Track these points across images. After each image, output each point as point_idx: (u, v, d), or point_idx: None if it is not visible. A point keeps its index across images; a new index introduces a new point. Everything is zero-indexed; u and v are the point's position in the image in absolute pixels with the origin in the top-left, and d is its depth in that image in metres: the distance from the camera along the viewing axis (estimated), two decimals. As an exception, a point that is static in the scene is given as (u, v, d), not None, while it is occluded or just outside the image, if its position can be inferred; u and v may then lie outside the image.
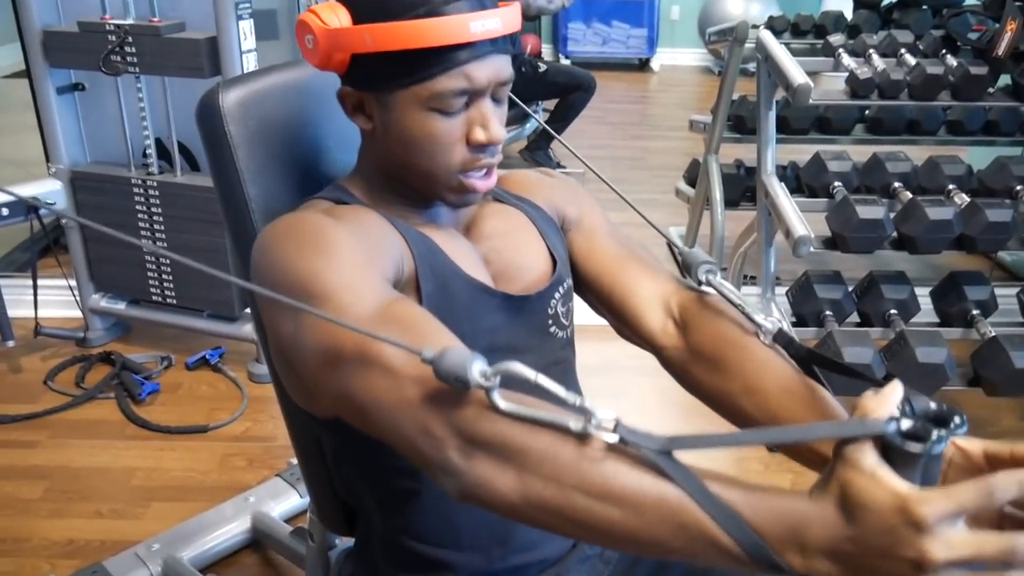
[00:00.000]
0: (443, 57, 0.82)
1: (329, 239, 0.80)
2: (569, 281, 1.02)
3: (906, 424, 0.58)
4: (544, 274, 0.99)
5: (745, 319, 0.91)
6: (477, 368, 0.63)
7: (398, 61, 0.83)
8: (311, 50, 0.86)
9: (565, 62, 6.76)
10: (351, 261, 0.78)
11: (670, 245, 2.97)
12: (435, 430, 0.65)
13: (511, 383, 0.64)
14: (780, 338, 0.88)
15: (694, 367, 0.94)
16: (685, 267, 0.97)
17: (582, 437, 0.62)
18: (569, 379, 1.06)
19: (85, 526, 1.88)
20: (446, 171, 0.88)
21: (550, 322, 0.99)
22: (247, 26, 2.15)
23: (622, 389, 2.46)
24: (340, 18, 0.85)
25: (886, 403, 0.60)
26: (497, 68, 0.85)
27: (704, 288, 0.95)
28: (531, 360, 0.95)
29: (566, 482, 0.62)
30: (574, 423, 0.63)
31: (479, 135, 0.87)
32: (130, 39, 2.20)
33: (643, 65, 6.97)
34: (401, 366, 0.67)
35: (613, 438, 0.62)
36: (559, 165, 4.22)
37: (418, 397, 0.66)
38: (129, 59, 2.22)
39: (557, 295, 0.99)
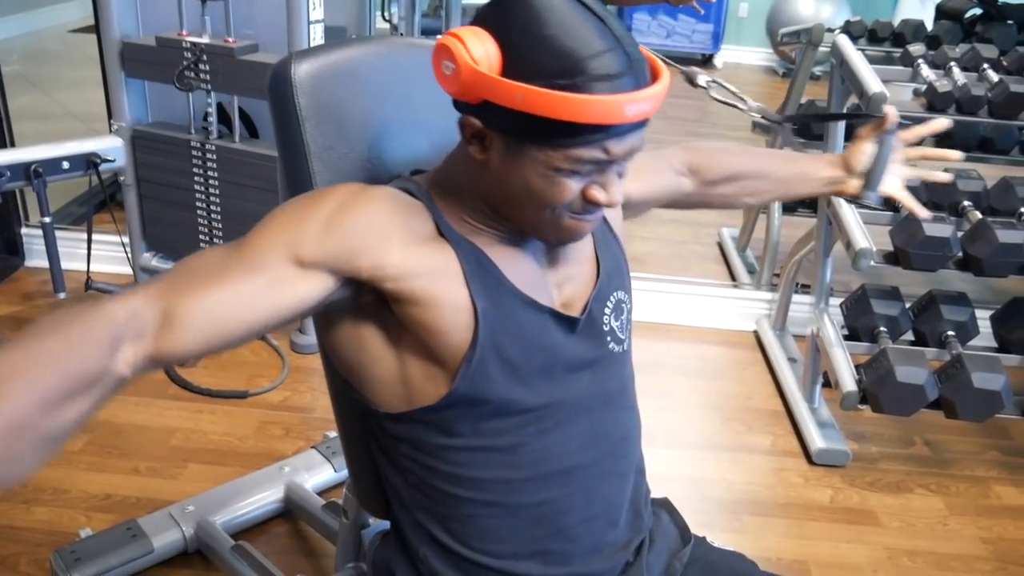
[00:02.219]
0: (590, 134, 0.79)
1: (333, 215, 0.85)
2: (620, 294, 1.00)
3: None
4: (588, 288, 0.97)
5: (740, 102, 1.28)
6: None
7: (543, 124, 0.79)
8: (449, 77, 0.81)
9: (626, 52, 6.68)
10: (307, 240, 0.83)
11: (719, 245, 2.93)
12: None
13: None
14: (761, 111, 1.30)
15: (717, 190, 1.22)
16: (689, 80, 1.29)
17: None
18: (630, 409, 1.04)
19: (123, 482, 1.91)
20: (553, 217, 0.86)
21: (608, 338, 0.97)
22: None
23: (665, 389, 2.43)
24: (487, 49, 0.79)
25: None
26: (634, 144, 0.83)
27: (709, 87, 1.28)
28: (587, 379, 0.95)
29: None
30: None
31: (598, 195, 0.84)
32: (205, 57, 2.22)
33: (706, 61, 6.85)
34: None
35: None
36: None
37: None
38: (202, 76, 2.25)
39: (607, 309, 0.97)
